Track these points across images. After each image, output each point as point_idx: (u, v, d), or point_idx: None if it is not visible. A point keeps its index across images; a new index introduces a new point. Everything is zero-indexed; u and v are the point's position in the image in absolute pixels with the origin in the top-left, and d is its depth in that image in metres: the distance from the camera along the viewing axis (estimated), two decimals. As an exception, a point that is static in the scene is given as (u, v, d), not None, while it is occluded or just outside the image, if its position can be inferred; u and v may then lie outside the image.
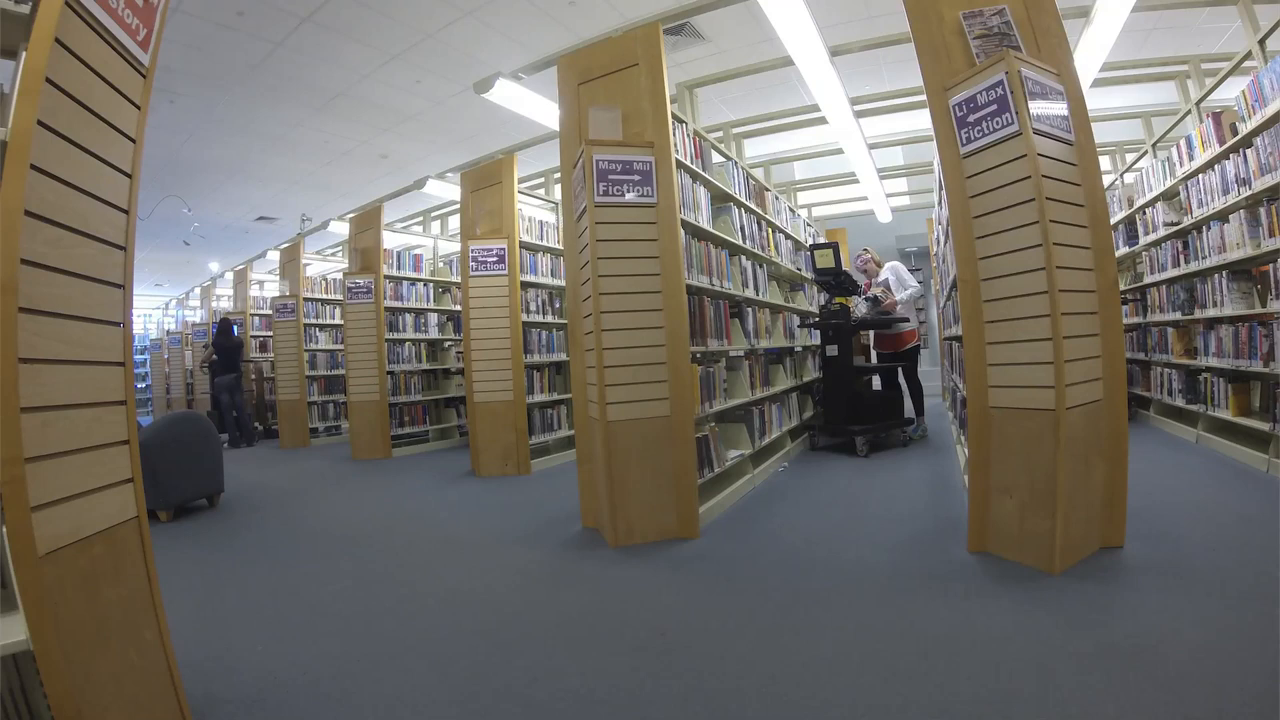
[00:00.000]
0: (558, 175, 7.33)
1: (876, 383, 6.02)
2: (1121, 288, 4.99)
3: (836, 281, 5.03)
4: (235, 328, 8.11)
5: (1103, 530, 2.45)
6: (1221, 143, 3.89)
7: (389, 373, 6.39)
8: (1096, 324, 2.43)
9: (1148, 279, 5.35)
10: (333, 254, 10.56)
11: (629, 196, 3.02)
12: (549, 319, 5.55)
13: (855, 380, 5.00)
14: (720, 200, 4.09)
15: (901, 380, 5.40)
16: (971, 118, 2.47)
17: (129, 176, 1.44)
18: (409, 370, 6.79)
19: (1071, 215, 2.40)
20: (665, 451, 3.00)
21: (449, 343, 7.31)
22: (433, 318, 7.18)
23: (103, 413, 1.33)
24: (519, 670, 1.82)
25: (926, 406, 5.65)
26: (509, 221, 5.11)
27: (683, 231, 3.16)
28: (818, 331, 5.38)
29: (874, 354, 6.20)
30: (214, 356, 7.74)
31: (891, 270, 5.58)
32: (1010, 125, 2.34)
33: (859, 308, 5.32)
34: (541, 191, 7.75)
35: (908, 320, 5.40)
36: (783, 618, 2.09)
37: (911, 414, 5.51)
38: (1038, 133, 2.33)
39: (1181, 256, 4.68)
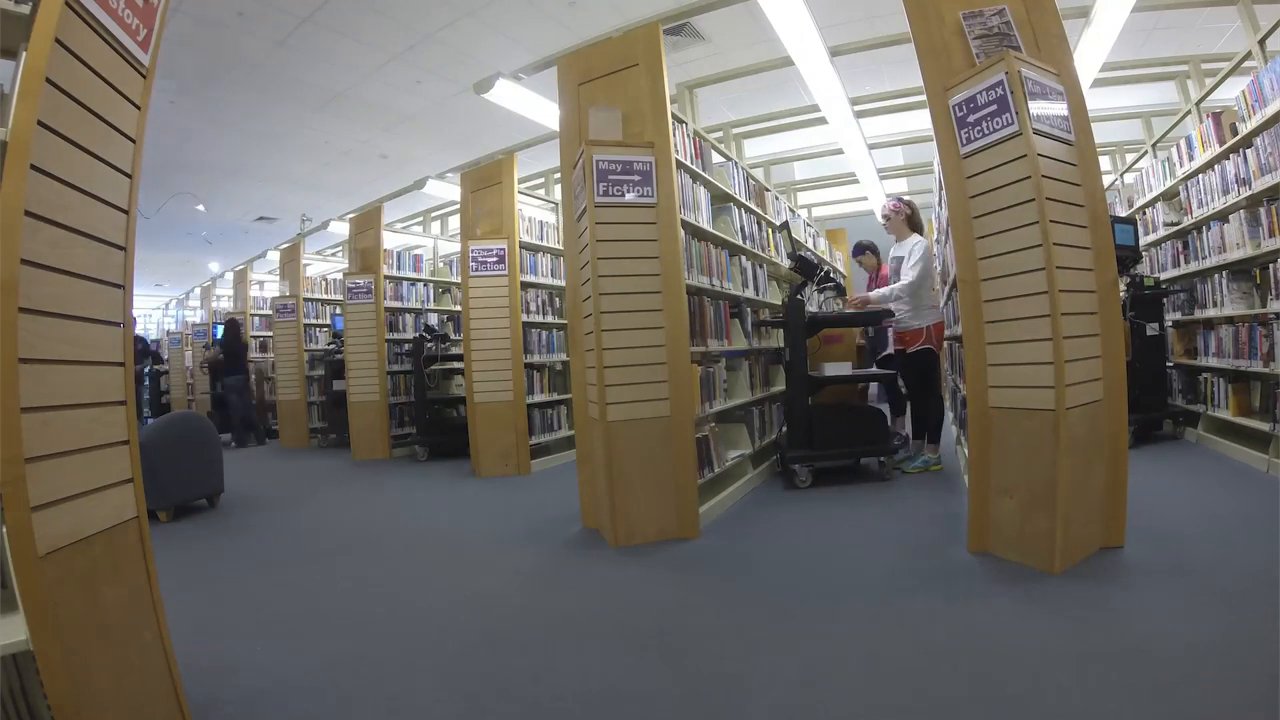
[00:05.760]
0: (558, 175, 7.34)
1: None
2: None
3: (802, 265, 4.07)
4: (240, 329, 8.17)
5: (1103, 530, 2.45)
6: (1221, 143, 3.89)
7: (389, 373, 6.39)
8: (1096, 324, 2.43)
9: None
10: (333, 254, 10.56)
11: (629, 197, 3.02)
12: (549, 319, 5.55)
13: (811, 392, 3.96)
14: (720, 200, 4.08)
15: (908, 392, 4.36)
16: (971, 118, 2.47)
17: (129, 176, 1.43)
18: (409, 370, 6.79)
19: (1071, 215, 2.39)
20: (665, 451, 2.99)
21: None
22: (433, 318, 7.18)
23: (103, 413, 1.33)
24: (520, 671, 1.82)
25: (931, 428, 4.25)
26: (509, 222, 5.11)
27: (683, 231, 3.16)
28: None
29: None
30: (220, 357, 7.78)
31: (909, 248, 4.16)
32: (1010, 125, 2.34)
33: (816, 298, 4.29)
34: (541, 191, 7.76)
35: (892, 314, 4.21)
36: (783, 618, 2.09)
37: (905, 435, 4.53)
38: (1038, 133, 2.33)
39: (1181, 256, 4.69)
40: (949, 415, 4.74)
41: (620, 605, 2.29)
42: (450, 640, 2.05)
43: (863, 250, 5.59)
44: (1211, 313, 4.18)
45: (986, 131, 2.42)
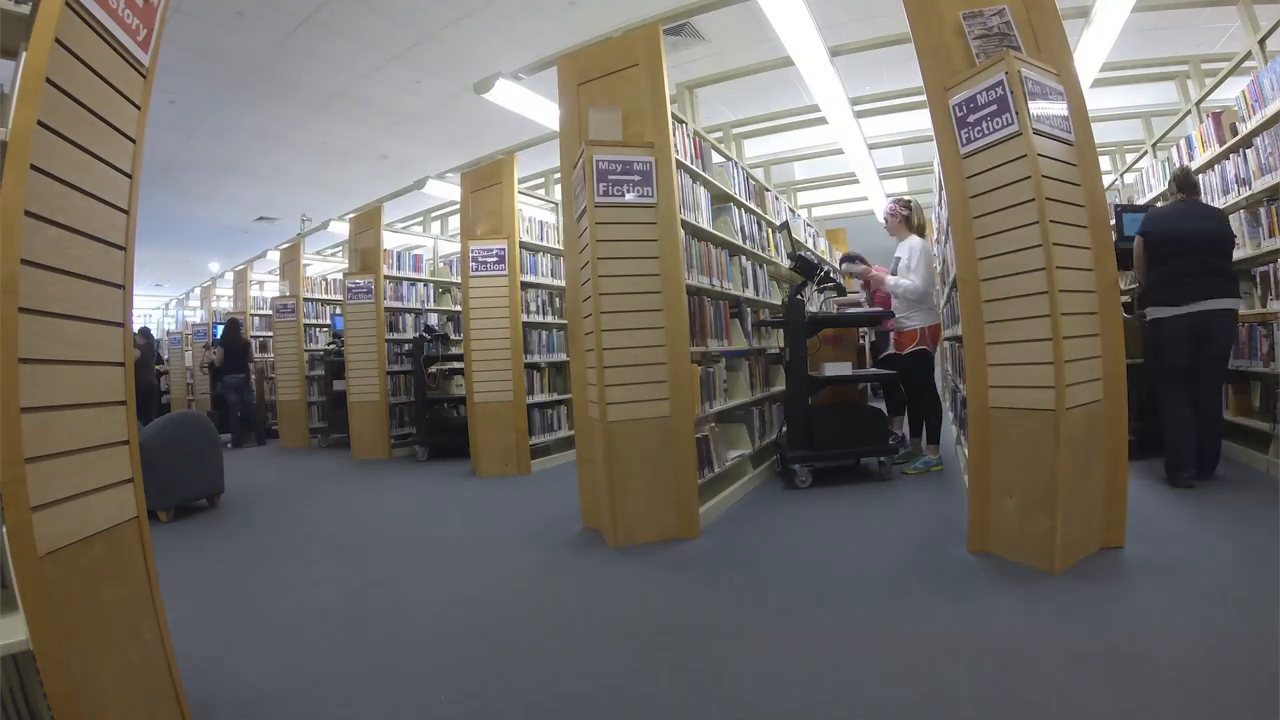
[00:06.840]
0: (558, 175, 7.33)
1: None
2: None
3: (802, 265, 4.06)
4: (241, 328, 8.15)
5: (1103, 530, 2.45)
6: (1221, 143, 3.89)
7: (389, 373, 6.40)
8: (1096, 324, 2.43)
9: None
10: (333, 254, 10.57)
11: (629, 197, 3.02)
12: (549, 319, 5.55)
13: (811, 392, 3.99)
14: (720, 200, 4.08)
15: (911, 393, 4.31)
16: (971, 118, 2.47)
17: (129, 176, 1.43)
18: (409, 370, 6.79)
19: (1071, 215, 2.40)
20: (665, 451, 2.99)
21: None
22: (433, 318, 7.18)
23: (103, 413, 1.33)
24: (519, 671, 1.82)
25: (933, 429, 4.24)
26: (509, 222, 5.11)
27: (683, 231, 3.16)
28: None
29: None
30: (214, 359, 7.77)
31: (908, 250, 4.17)
32: (1010, 125, 2.34)
33: (816, 298, 4.28)
34: (541, 191, 7.76)
35: (892, 314, 4.24)
36: (783, 618, 2.09)
37: (903, 435, 4.49)
38: (1038, 133, 2.33)
39: (1181, 256, 4.67)
40: (948, 415, 4.74)
41: (620, 605, 2.30)
42: (450, 640, 2.05)
43: (849, 260, 5.64)
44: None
45: (986, 131, 2.42)
